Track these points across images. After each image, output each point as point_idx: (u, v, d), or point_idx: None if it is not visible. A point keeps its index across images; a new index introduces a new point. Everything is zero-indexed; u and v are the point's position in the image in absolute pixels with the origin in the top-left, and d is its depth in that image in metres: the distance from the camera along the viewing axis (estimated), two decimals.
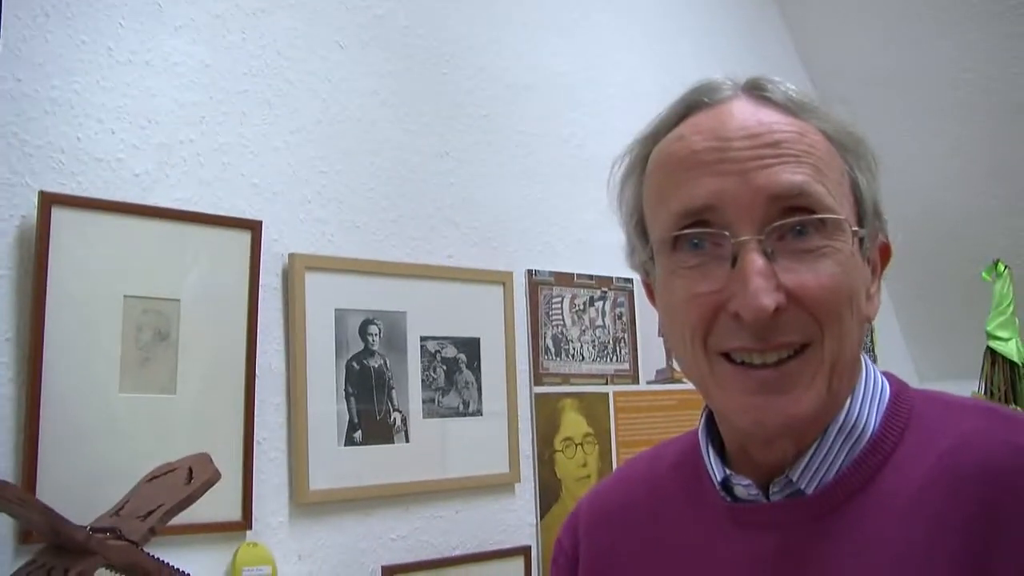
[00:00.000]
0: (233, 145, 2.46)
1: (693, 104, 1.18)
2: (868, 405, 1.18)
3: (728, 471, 1.21)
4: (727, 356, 1.11)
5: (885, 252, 1.24)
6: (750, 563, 1.16)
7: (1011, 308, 3.57)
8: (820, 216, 1.08)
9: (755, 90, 1.17)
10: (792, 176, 1.08)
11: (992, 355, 3.59)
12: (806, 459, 1.14)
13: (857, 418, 1.16)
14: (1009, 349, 3.55)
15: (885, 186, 1.20)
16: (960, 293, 4.02)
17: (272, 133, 2.53)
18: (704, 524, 1.24)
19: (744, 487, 1.19)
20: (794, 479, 1.15)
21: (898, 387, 1.23)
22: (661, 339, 3.35)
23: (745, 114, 1.13)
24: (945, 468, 1.11)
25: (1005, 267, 3.55)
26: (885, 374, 1.25)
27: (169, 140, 2.34)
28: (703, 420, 1.28)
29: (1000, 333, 3.56)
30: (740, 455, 1.21)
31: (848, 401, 1.17)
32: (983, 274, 3.61)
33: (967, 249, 3.92)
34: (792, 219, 1.08)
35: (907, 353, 4.38)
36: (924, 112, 3.89)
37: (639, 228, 1.23)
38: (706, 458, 1.25)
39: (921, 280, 4.09)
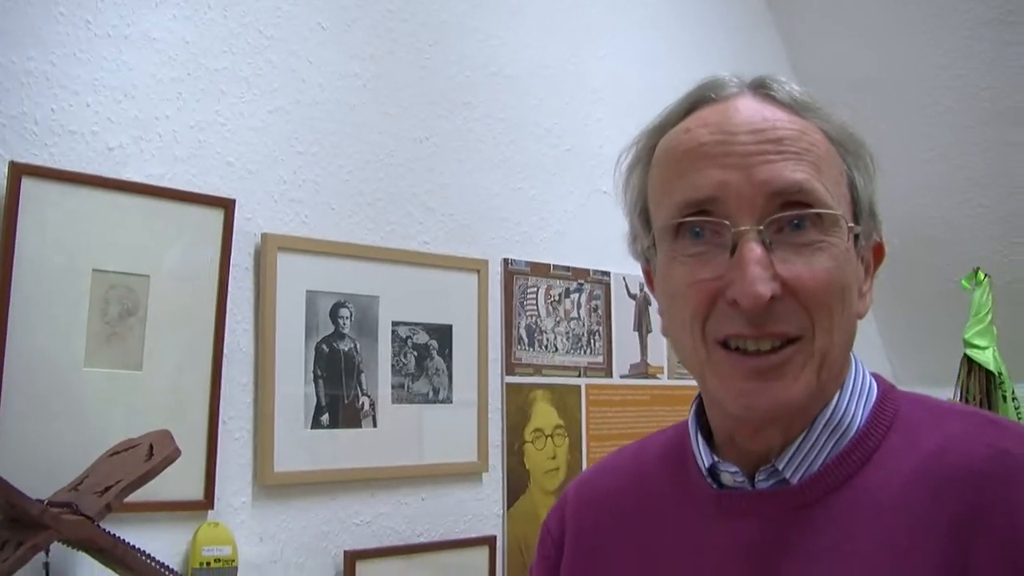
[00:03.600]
0: (209, 123, 2.44)
1: (700, 99, 1.21)
2: (855, 401, 1.20)
3: (716, 458, 1.23)
4: (723, 344, 1.13)
5: (879, 252, 1.27)
6: (733, 549, 1.18)
7: (989, 317, 3.58)
8: (818, 211, 1.11)
9: (760, 88, 1.20)
10: (793, 173, 1.11)
11: (969, 363, 3.60)
12: (792, 449, 1.17)
13: (844, 413, 1.18)
14: (986, 358, 3.56)
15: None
16: (939, 300, 4.03)
17: (249, 112, 2.52)
18: (689, 511, 1.26)
19: (731, 474, 1.21)
20: (780, 468, 1.17)
21: (886, 387, 1.25)
22: (636, 334, 3.35)
23: (750, 110, 1.16)
24: (928, 469, 1.12)
25: (985, 276, 3.56)
26: (874, 375, 1.27)
27: (145, 115, 2.33)
28: (693, 409, 1.30)
29: (977, 341, 3.57)
30: (728, 444, 1.23)
31: (836, 396, 1.19)
32: (962, 282, 3.62)
33: (948, 256, 3.92)
34: (791, 212, 1.10)
35: (885, 358, 4.38)
36: (910, 118, 3.89)
37: (643, 216, 1.25)
38: (695, 445, 1.27)
39: (901, 286, 4.09)
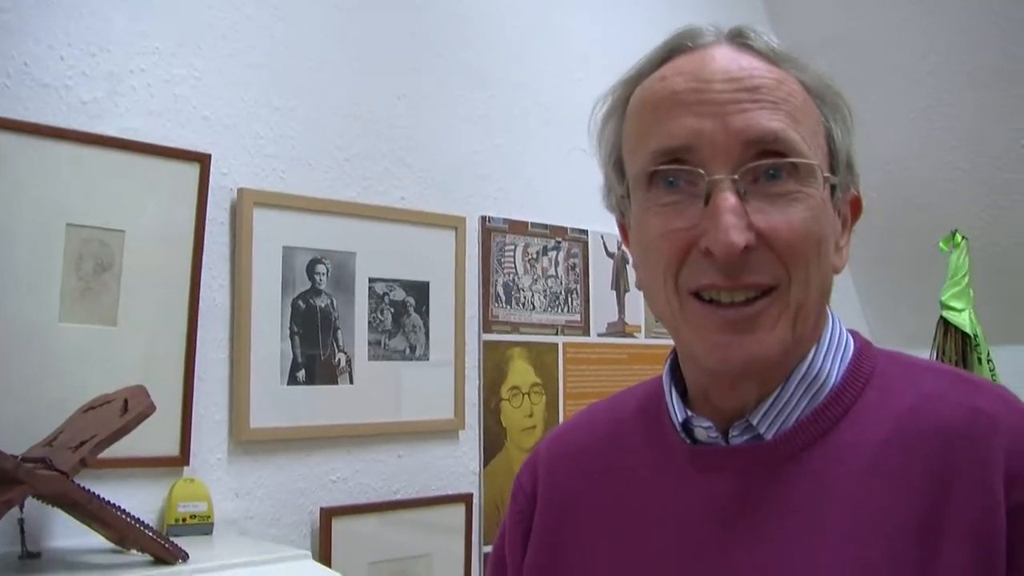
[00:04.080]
0: (185, 77, 2.42)
1: (676, 48, 1.19)
2: (832, 358, 1.19)
3: (690, 413, 1.22)
4: (697, 296, 1.12)
5: (856, 206, 1.25)
6: (706, 504, 1.17)
7: (966, 279, 3.58)
8: (793, 160, 1.09)
9: (738, 38, 1.18)
10: (769, 122, 1.09)
11: (945, 325, 3.61)
12: (767, 404, 1.16)
13: (820, 369, 1.18)
14: (962, 320, 3.57)
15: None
16: (917, 262, 4.03)
17: (226, 67, 2.49)
18: (663, 466, 1.25)
19: (705, 429, 1.20)
20: (754, 423, 1.16)
21: (862, 344, 1.24)
22: (614, 292, 3.35)
23: (727, 59, 1.14)
24: (903, 427, 1.12)
25: (962, 238, 3.57)
26: (850, 331, 1.26)
27: (119, 69, 2.31)
28: (668, 364, 1.29)
29: (954, 303, 3.57)
30: (702, 400, 1.22)
31: (812, 351, 1.18)
32: (940, 244, 3.62)
33: (926, 219, 3.92)
34: (766, 161, 1.09)
35: (862, 319, 4.39)
36: (892, 80, 3.88)
37: (617, 167, 1.23)
38: (669, 400, 1.26)
39: (879, 247, 4.09)
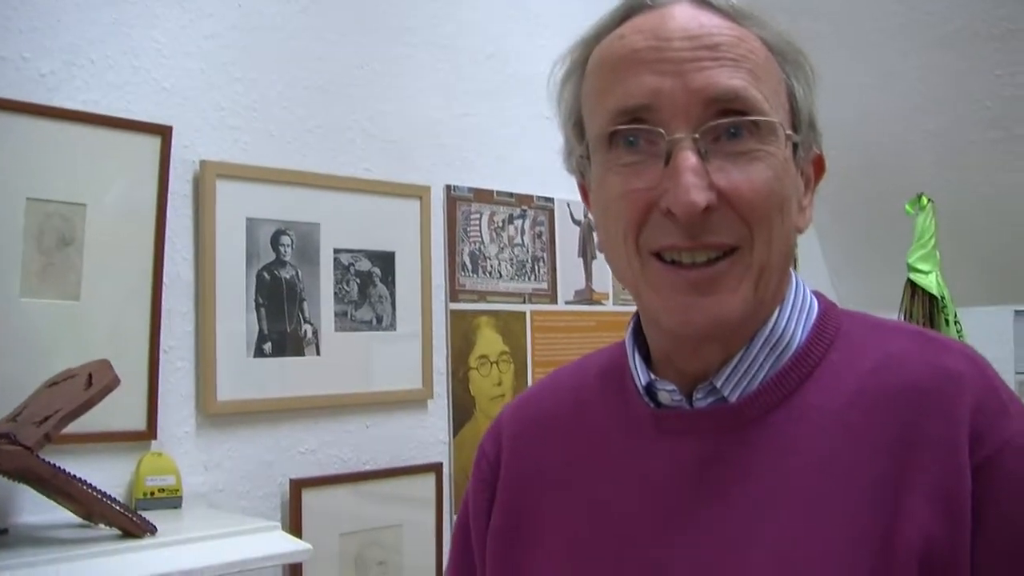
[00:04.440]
0: (145, 48, 2.40)
1: (635, 6, 1.17)
2: (795, 319, 1.19)
3: (653, 376, 1.21)
4: (658, 257, 1.11)
5: (819, 165, 1.24)
6: (671, 469, 1.17)
7: (932, 242, 3.59)
8: (754, 119, 1.08)
9: None
10: (730, 80, 1.08)
11: (912, 287, 3.61)
12: (731, 367, 1.15)
13: (784, 330, 1.17)
14: (929, 282, 3.58)
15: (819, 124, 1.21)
16: (884, 225, 4.04)
17: (185, 37, 2.47)
18: (627, 431, 1.24)
19: (668, 392, 1.20)
20: (718, 386, 1.16)
21: (826, 305, 1.24)
22: (581, 260, 3.35)
23: (686, 16, 1.12)
24: (869, 387, 1.12)
25: (928, 201, 3.57)
26: (815, 292, 1.25)
27: (78, 40, 2.28)
28: (631, 327, 1.28)
29: (921, 266, 3.58)
30: (665, 363, 1.21)
31: (776, 313, 1.18)
32: (906, 207, 3.63)
33: (893, 182, 3.92)
34: (727, 120, 1.08)
35: (829, 282, 4.40)
36: (854, 43, 3.87)
37: (577, 128, 1.22)
38: (632, 363, 1.25)
39: (846, 211, 4.11)
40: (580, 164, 1.23)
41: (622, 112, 1.11)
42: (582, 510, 1.25)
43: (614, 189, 1.13)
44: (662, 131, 1.08)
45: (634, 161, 1.11)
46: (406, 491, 2.82)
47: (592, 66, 1.19)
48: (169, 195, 2.37)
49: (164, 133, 2.36)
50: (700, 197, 1.05)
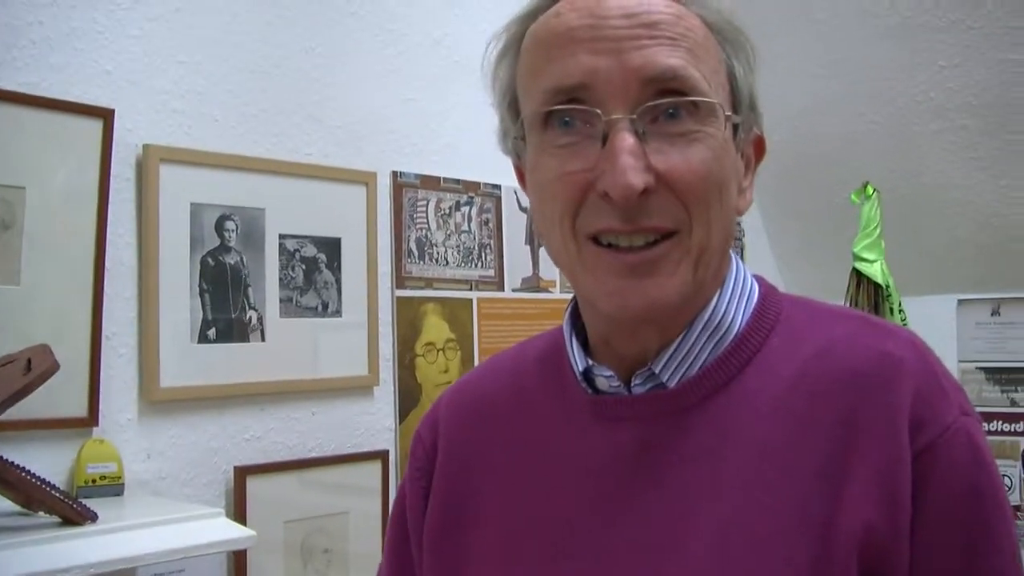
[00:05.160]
0: (86, 30, 2.36)
1: None
2: (736, 303, 1.18)
3: (590, 361, 1.20)
4: (595, 240, 1.10)
5: (760, 147, 1.23)
6: (610, 455, 1.16)
7: (878, 231, 3.62)
8: (693, 99, 1.07)
9: None
10: (668, 59, 1.06)
11: (858, 276, 3.64)
12: (670, 351, 1.14)
13: (724, 314, 1.17)
14: (874, 271, 3.60)
15: (760, 105, 1.19)
16: (829, 214, 4.07)
17: (128, 20, 2.44)
18: (565, 417, 1.23)
19: (606, 378, 1.19)
20: (657, 371, 1.15)
21: (767, 289, 1.23)
22: (528, 247, 3.34)
23: None
24: (810, 372, 1.12)
25: (874, 190, 3.60)
26: (756, 276, 1.25)
27: (16, 21, 2.24)
28: (568, 312, 1.27)
29: (866, 255, 3.61)
30: (603, 347, 1.20)
31: (715, 297, 1.17)
32: (852, 196, 3.65)
33: (838, 171, 3.95)
34: (665, 100, 1.06)
35: (776, 271, 4.42)
36: (800, 33, 3.89)
37: (512, 108, 1.20)
38: (569, 349, 1.24)
39: (791, 200, 4.12)
40: (515, 145, 1.21)
41: (557, 92, 1.09)
42: (520, 496, 1.24)
43: (550, 171, 1.11)
44: (599, 112, 1.06)
45: (570, 142, 1.09)
46: (352, 479, 2.81)
47: (527, 44, 1.17)
48: (112, 179, 2.34)
49: (106, 116, 2.33)
50: (637, 179, 1.04)
